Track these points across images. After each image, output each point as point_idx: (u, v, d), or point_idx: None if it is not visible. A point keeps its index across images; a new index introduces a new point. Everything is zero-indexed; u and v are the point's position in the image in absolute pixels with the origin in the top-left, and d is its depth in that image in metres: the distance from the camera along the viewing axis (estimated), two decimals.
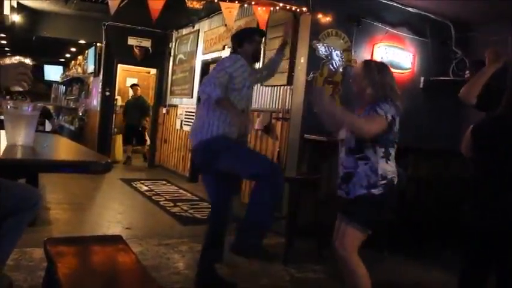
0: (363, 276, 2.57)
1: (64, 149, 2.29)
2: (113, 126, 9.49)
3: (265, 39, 5.82)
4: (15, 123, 1.78)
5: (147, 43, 9.06)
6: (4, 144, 1.84)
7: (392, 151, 2.63)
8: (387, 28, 5.49)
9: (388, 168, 2.59)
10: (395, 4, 5.45)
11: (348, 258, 2.59)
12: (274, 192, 2.93)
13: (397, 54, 5.61)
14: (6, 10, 6.75)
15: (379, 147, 2.57)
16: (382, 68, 2.72)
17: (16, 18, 7.78)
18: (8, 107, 1.78)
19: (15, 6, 7.16)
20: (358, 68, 2.82)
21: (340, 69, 5.15)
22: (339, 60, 5.16)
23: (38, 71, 15.25)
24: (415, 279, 3.94)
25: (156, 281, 1.80)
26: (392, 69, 5.47)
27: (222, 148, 3.06)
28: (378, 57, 5.25)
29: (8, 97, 10.97)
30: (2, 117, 1.94)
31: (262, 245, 3.07)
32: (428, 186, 4.77)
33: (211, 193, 3.41)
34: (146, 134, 9.64)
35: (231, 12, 5.08)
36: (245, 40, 3.24)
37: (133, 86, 9.83)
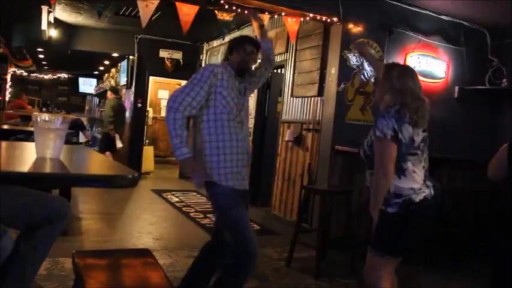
0: None
1: (91, 162, 2.30)
2: (144, 137, 9.60)
3: (294, 50, 5.83)
4: (45, 137, 1.80)
5: (178, 55, 9.17)
6: (33, 156, 1.86)
7: (408, 165, 2.35)
8: (420, 37, 5.39)
9: (402, 184, 2.33)
10: (428, 12, 5.35)
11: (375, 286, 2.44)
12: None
13: (431, 63, 5.50)
14: (44, 25, 6.94)
15: None
16: (404, 72, 2.49)
17: (53, 33, 8.00)
18: (39, 119, 1.81)
19: (52, 21, 7.36)
20: (381, 72, 2.58)
21: (372, 80, 5.07)
22: (370, 70, 5.09)
23: (73, 83, 15.70)
24: None
25: None
26: (426, 79, 5.42)
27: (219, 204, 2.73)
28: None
29: (44, 109, 11.27)
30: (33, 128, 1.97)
31: None
32: (465, 198, 4.62)
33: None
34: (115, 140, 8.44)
35: None
36: (234, 48, 2.82)
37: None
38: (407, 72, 2.51)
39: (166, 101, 2.71)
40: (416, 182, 2.36)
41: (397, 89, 2.39)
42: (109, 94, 8.68)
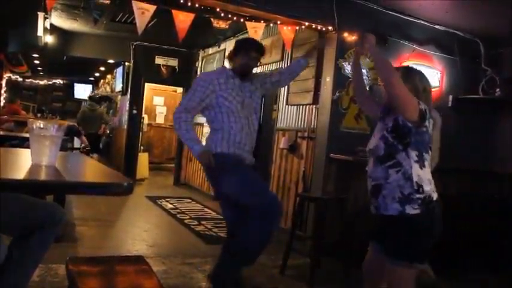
0: None
1: (86, 169, 2.31)
2: (139, 144, 9.59)
3: (290, 58, 5.86)
4: (40, 144, 1.81)
5: (174, 62, 9.19)
6: (29, 163, 1.86)
7: (427, 157, 2.34)
8: (414, 46, 5.43)
9: (424, 175, 2.30)
10: (422, 22, 5.40)
11: None
12: (266, 229, 2.97)
13: (425, 72, 5.52)
14: (40, 31, 6.94)
15: (412, 150, 2.30)
16: (423, 74, 2.53)
17: (49, 39, 8.00)
18: (34, 126, 1.81)
19: (48, 27, 7.36)
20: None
21: (367, 88, 5.09)
22: (365, 78, 5.11)
23: (68, 89, 15.67)
24: None
25: None
26: None
27: (221, 167, 3.06)
28: None
29: (39, 114, 11.30)
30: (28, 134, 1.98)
31: (240, 279, 3.23)
32: (458, 206, 4.64)
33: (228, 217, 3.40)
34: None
35: (256, 31, 5.11)
36: (241, 50, 3.11)
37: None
38: (424, 75, 2.54)
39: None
40: (431, 177, 2.35)
41: (420, 90, 2.40)
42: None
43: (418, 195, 2.27)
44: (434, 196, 2.33)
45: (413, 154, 2.30)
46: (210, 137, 3.22)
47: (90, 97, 10.94)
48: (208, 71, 3.48)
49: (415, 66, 4.91)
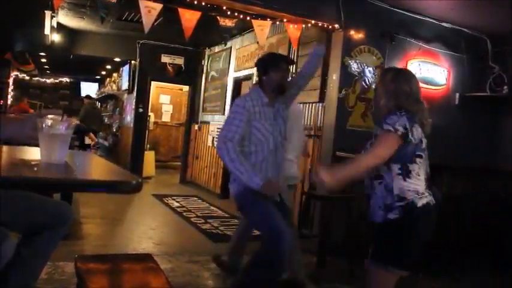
0: None
1: (95, 167, 2.31)
2: (146, 142, 9.62)
3: (296, 56, 5.86)
4: (50, 142, 1.82)
5: (180, 60, 9.21)
6: (39, 161, 1.88)
7: (415, 167, 2.28)
8: (421, 44, 5.41)
9: (407, 186, 2.25)
10: (429, 19, 5.38)
11: None
12: (270, 261, 2.76)
13: (431, 70, 5.52)
14: (47, 30, 6.97)
15: (394, 164, 2.26)
16: (397, 74, 2.43)
17: (55, 37, 8.05)
18: (44, 125, 1.83)
19: (55, 26, 7.40)
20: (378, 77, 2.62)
21: (373, 86, 5.09)
22: (371, 76, 5.11)
23: (75, 87, 15.74)
24: None
25: None
26: (427, 86, 5.44)
27: (245, 203, 2.91)
28: None
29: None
30: None
31: None
32: (465, 204, 4.62)
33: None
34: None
35: (263, 30, 5.11)
36: (271, 67, 2.89)
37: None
38: (401, 74, 2.45)
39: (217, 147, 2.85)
40: (420, 185, 2.29)
41: (390, 91, 2.35)
42: (84, 100, 10.58)
43: (398, 204, 2.26)
44: (420, 203, 2.26)
45: (396, 167, 2.27)
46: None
47: (88, 96, 11.15)
48: (244, 94, 3.06)
49: (417, 69, 4.81)
